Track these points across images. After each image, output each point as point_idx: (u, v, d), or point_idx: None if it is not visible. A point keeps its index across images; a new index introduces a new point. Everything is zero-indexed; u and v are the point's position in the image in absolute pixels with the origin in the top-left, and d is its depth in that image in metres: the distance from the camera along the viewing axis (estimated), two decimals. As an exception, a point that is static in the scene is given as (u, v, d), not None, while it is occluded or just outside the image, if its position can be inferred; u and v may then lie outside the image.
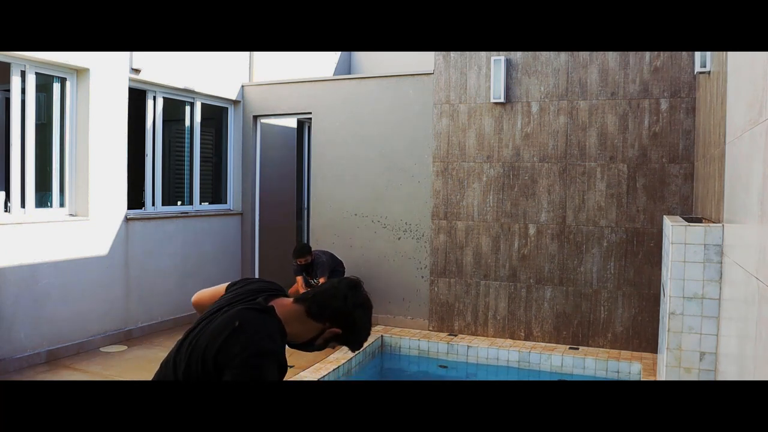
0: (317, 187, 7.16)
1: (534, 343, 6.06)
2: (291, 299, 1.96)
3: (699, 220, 3.79)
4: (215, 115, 7.59)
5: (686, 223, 3.19)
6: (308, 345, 1.96)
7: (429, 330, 6.53)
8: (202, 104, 7.22)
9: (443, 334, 6.37)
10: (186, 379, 1.79)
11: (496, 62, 6.06)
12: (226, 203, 7.64)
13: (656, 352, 5.33)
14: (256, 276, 7.59)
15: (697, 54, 4.49)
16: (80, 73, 5.61)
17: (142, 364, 5.25)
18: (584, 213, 5.92)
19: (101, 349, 5.67)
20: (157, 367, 1.99)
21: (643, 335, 5.73)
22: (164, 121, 6.67)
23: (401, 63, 8.23)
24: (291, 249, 6.49)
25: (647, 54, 5.67)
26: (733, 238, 2.57)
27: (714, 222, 3.36)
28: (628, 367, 5.42)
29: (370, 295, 2.01)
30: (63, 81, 5.56)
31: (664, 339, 3.41)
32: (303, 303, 1.91)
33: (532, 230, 6.11)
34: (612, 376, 5.47)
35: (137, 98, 6.39)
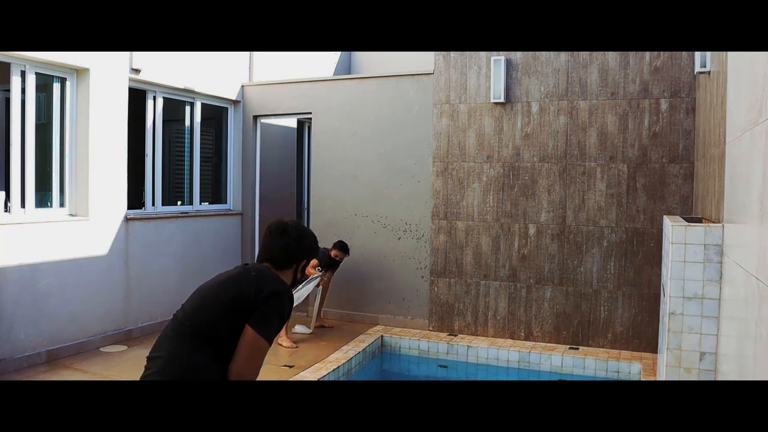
0: (317, 187, 7.16)
1: (534, 343, 6.06)
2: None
3: (699, 220, 3.79)
4: (215, 115, 7.59)
5: (686, 223, 3.19)
6: (294, 285, 2.52)
7: (429, 330, 6.53)
8: (202, 104, 7.22)
9: (443, 334, 6.37)
10: (204, 326, 2.13)
11: (496, 62, 6.06)
12: (226, 203, 7.64)
13: (656, 352, 5.33)
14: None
15: (697, 54, 4.49)
16: (80, 73, 5.61)
17: (142, 364, 5.22)
18: (584, 213, 5.92)
19: (101, 349, 5.67)
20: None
21: (643, 335, 5.72)
22: (164, 121, 6.67)
23: (401, 63, 8.23)
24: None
25: (647, 54, 5.66)
26: (733, 238, 2.57)
27: (714, 222, 3.36)
28: (628, 367, 5.42)
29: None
30: (63, 81, 5.56)
31: (664, 339, 3.41)
32: (268, 262, 2.33)
33: (532, 230, 6.11)
34: (612, 376, 5.47)
35: (137, 98, 6.39)
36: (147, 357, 2.29)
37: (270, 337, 2.13)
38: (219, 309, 2.13)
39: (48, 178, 5.53)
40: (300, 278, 2.48)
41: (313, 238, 2.44)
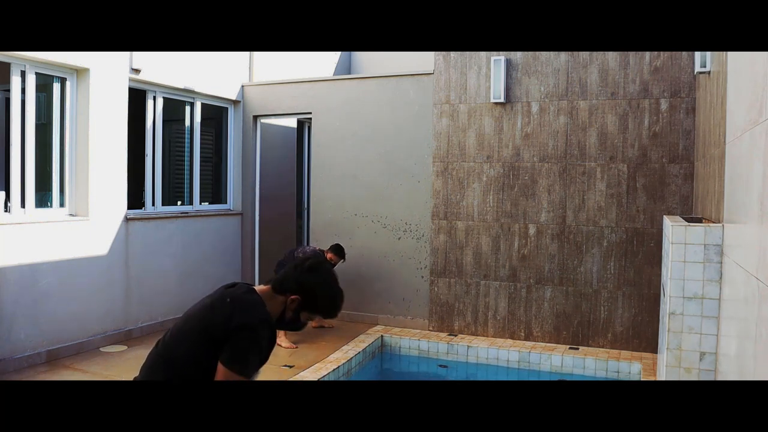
0: (317, 187, 7.16)
1: (534, 343, 6.06)
2: (265, 285, 2.18)
3: (699, 220, 3.79)
4: (215, 115, 7.59)
5: (686, 223, 3.19)
6: (282, 321, 2.16)
7: (429, 330, 6.53)
8: (202, 104, 7.22)
9: (443, 334, 6.37)
10: (175, 355, 2.06)
11: (496, 62, 6.06)
12: (226, 203, 7.64)
13: (656, 352, 5.33)
14: (256, 275, 7.61)
15: (697, 54, 4.49)
16: (80, 73, 5.61)
17: (142, 365, 5.24)
18: (584, 213, 5.92)
19: (101, 349, 5.67)
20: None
21: (643, 335, 5.72)
22: (164, 121, 6.67)
23: (401, 63, 8.23)
24: (291, 248, 6.48)
25: (647, 54, 5.66)
26: (733, 238, 2.57)
27: (714, 222, 3.36)
28: (628, 367, 5.42)
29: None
30: (63, 81, 5.55)
31: (664, 339, 3.41)
32: (270, 282, 2.16)
33: (532, 230, 6.11)
34: (612, 376, 5.47)
35: (137, 98, 6.38)
36: None
37: (244, 373, 1.97)
38: (193, 342, 2.04)
39: (48, 178, 5.53)
40: (290, 318, 2.15)
41: (324, 288, 2.12)
